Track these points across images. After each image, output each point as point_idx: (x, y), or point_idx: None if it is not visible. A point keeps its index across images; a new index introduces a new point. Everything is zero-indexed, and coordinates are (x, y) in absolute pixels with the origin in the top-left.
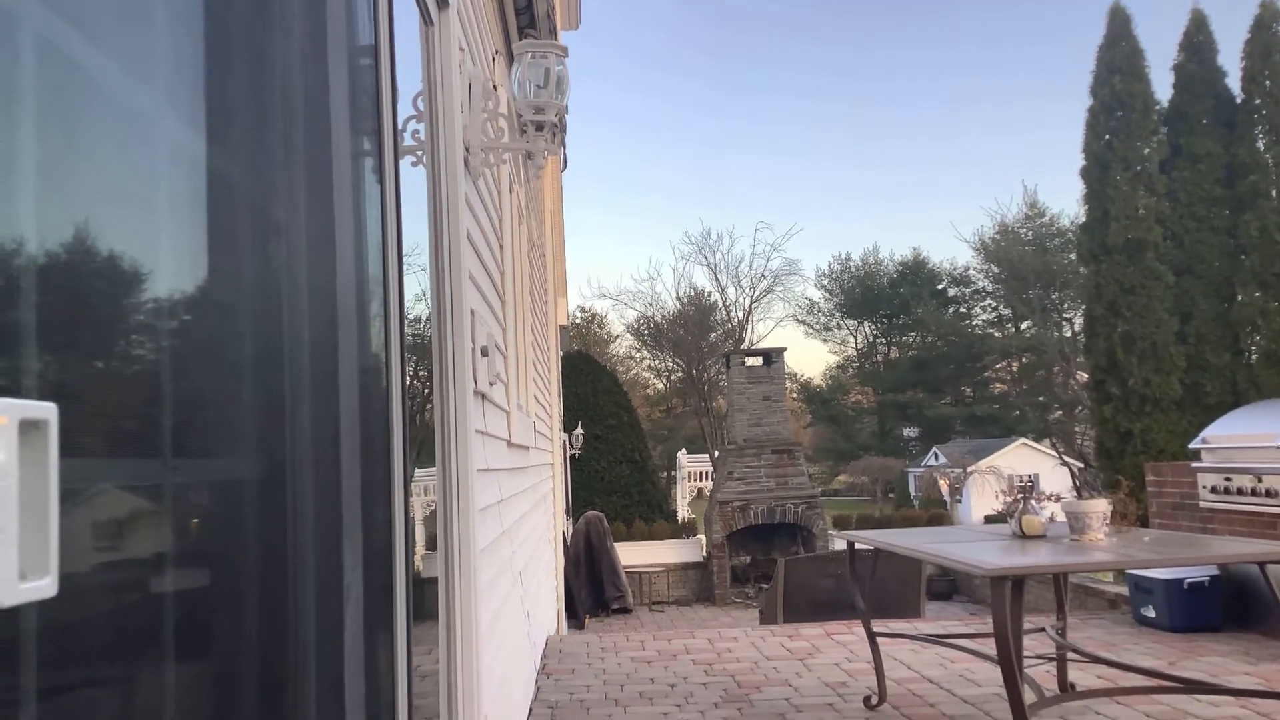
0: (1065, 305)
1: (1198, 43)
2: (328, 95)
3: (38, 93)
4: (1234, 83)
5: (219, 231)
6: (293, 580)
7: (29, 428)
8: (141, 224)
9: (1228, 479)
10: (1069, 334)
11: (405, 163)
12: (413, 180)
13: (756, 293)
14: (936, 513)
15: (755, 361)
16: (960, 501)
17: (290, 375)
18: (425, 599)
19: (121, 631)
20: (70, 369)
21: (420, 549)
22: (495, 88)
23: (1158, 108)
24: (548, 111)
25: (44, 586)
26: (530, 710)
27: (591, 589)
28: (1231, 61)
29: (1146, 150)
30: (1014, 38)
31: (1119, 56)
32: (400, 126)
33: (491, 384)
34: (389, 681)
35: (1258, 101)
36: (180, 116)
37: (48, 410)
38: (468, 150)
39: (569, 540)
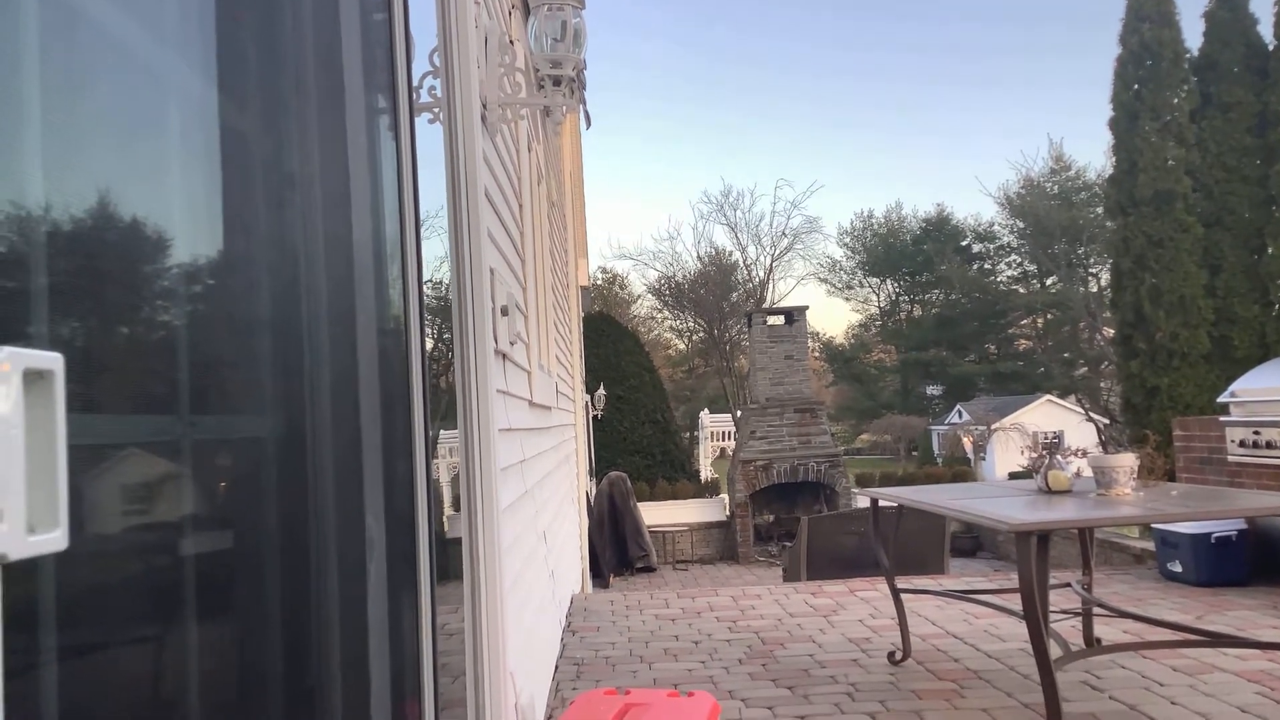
0: (1091, 260)
1: None
2: (340, 50)
3: (43, 42)
4: (1266, 30)
5: (232, 184)
6: (315, 538)
7: (34, 377)
8: (153, 176)
9: (1256, 433)
10: (1095, 289)
11: (422, 120)
12: (430, 138)
13: (777, 251)
14: (960, 470)
15: (777, 320)
16: (984, 459)
17: (308, 331)
18: (450, 558)
19: (141, 589)
20: (82, 323)
21: (447, 509)
22: (512, 42)
23: (1188, 56)
24: (565, 65)
25: (54, 539)
26: (556, 667)
27: (615, 548)
28: (1264, 8)
29: (1176, 100)
30: None
31: (1148, 4)
32: (416, 83)
33: (512, 343)
34: (414, 638)
35: None
36: (191, 66)
37: (53, 360)
38: (484, 106)
39: (593, 500)
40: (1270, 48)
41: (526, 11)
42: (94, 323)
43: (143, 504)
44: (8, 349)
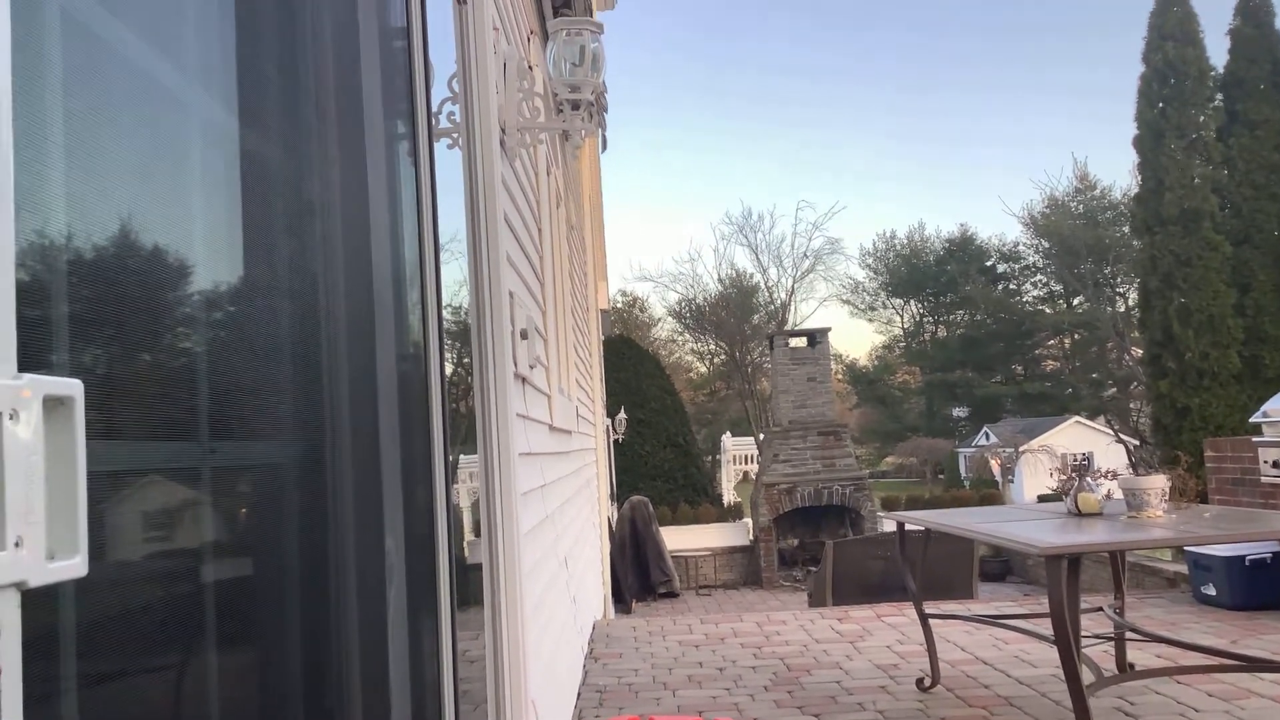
0: (1118, 279)
1: (1254, 6)
2: (360, 77)
3: (70, 74)
4: None
5: (254, 212)
6: (334, 563)
7: (54, 404)
8: (175, 204)
9: None
10: (1122, 309)
11: (441, 145)
12: (449, 163)
13: (799, 273)
14: (988, 493)
15: (799, 342)
16: (1012, 481)
17: (328, 356)
18: (471, 584)
19: (161, 615)
20: (105, 351)
21: (468, 535)
22: (531, 67)
23: (1213, 74)
24: (584, 90)
25: (73, 566)
26: (578, 694)
27: (638, 573)
28: None
29: (1201, 118)
30: (1062, 7)
31: (1171, 22)
32: (435, 109)
33: (532, 367)
34: (434, 664)
35: None
36: (213, 95)
37: (73, 387)
38: (503, 131)
39: (614, 525)
40: None
41: (545, 37)
42: (115, 350)
43: (163, 530)
44: (28, 376)
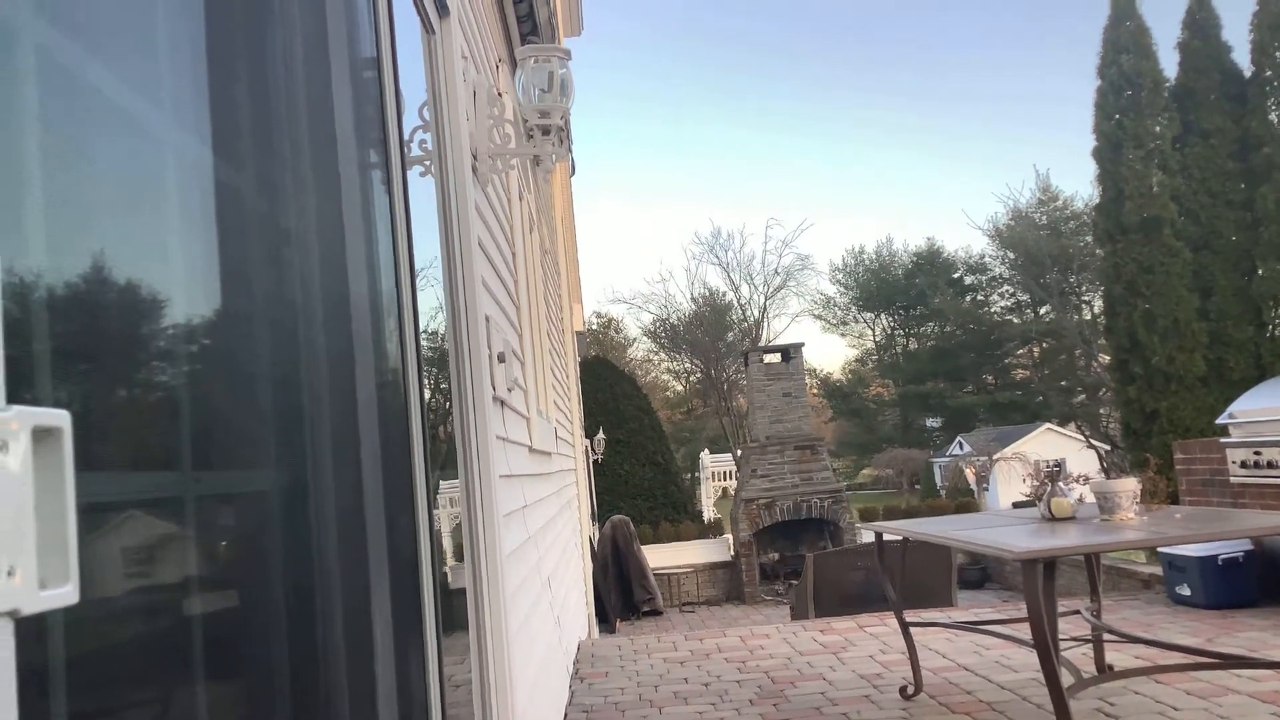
0: (1083, 288)
1: (1200, 19)
2: (333, 108)
3: (45, 109)
4: (1240, 57)
5: (230, 243)
6: (319, 591)
7: (43, 435)
8: (152, 238)
9: (1257, 453)
10: (1089, 316)
11: (414, 173)
12: (422, 190)
13: (770, 290)
14: (964, 501)
15: (773, 358)
16: (987, 489)
17: (308, 385)
18: (455, 608)
19: (144, 646)
20: (86, 382)
21: (449, 559)
22: (500, 94)
23: (1167, 85)
24: (553, 115)
25: (65, 594)
26: (565, 715)
27: (621, 592)
28: (1236, 36)
29: (1158, 128)
30: (1016, 19)
31: (1125, 35)
32: (407, 137)
33: (510, 390)
34: (421, 691)
35: (1268, 74)
36: (186, 128)
37: (60, 418)
38: (475, 158)
39: (596, 545)
40: (1247, 75)
41: (513, 64)
42: (98, 382)
43: (147, 560)
44: (16, 408)
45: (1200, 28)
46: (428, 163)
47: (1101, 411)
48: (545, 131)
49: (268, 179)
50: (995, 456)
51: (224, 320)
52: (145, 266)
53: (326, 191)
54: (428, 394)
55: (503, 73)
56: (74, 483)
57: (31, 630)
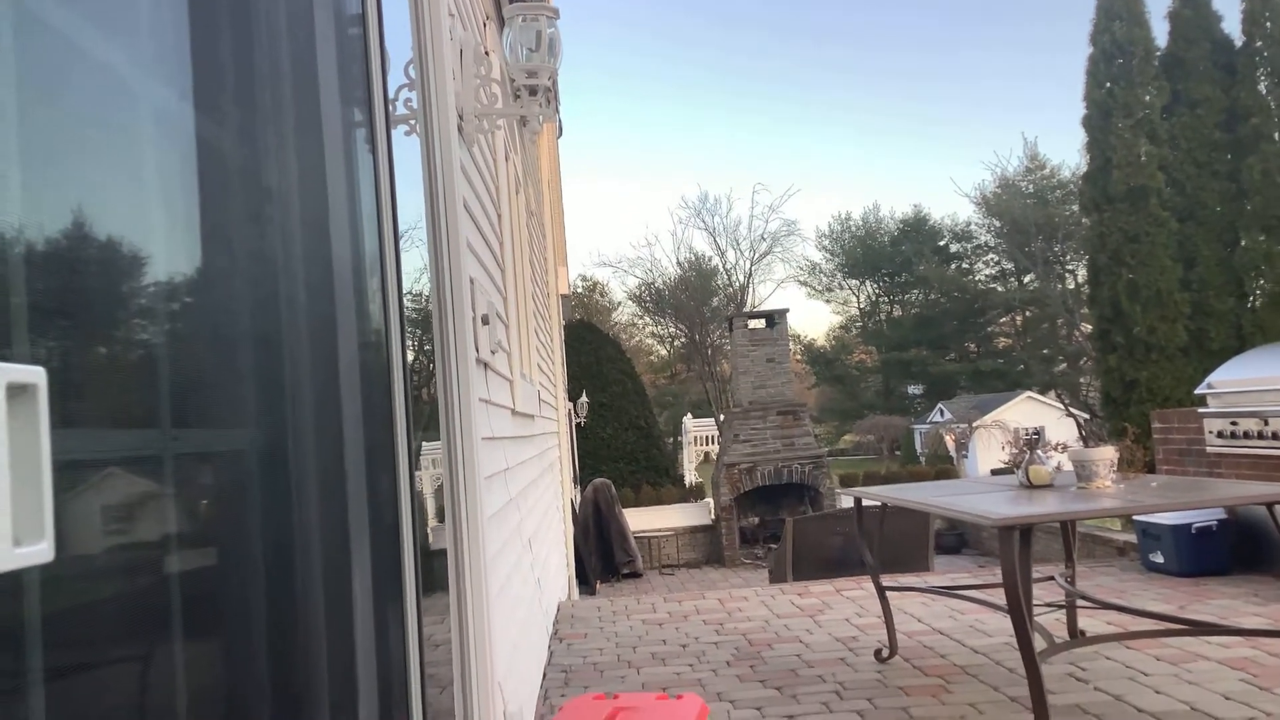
0: (1068, 257)
1: None
2: (316, 64)
3: (20, 63)
4: (1230, 27)
5: (210, 199)
6: (298, 551)
7: (17, 391)
8: (131, 192)
9: (1234, 423)
10: (1072, 286)
11: (399, 132)
12: (407, 150)
13: (756, 255)
14: (943, 468)
15: (758, 324)
16: (967, 457)
17: (289, 344)
18: (436, 569)
19: (121, 603)
20: (63, 340)
21: (431, 521)
22: (487, 53)
23: (1158, 53)
24: (540, 75)
25: (40, 551)
26: (544, 674)
27: (601, 555)
28: (1227, 6)
29: (1147, 97)
30: None
31: (1118, 3)
32: (392, 95)
33: (493, 352)
34: (400, 650)
35: (1259, 44)
36: (166, 82)
37: (35, 374)
38: (461, 117)
39: (577, 507)
40: (1237, 45)
41: (501, 23)
42: (75, 339)
43: (124, 518)
44: None
45: None
46: (413, 122)
47: (1082, 380)
48: (532, 92)
49: (249, 135)
50: (975, 424)
51: (204, 277)
52: (123, 223)
53: (309, 150)
54: (411, 355)
55: (490, 31)
56: (49, 440)
57: (6, 587)
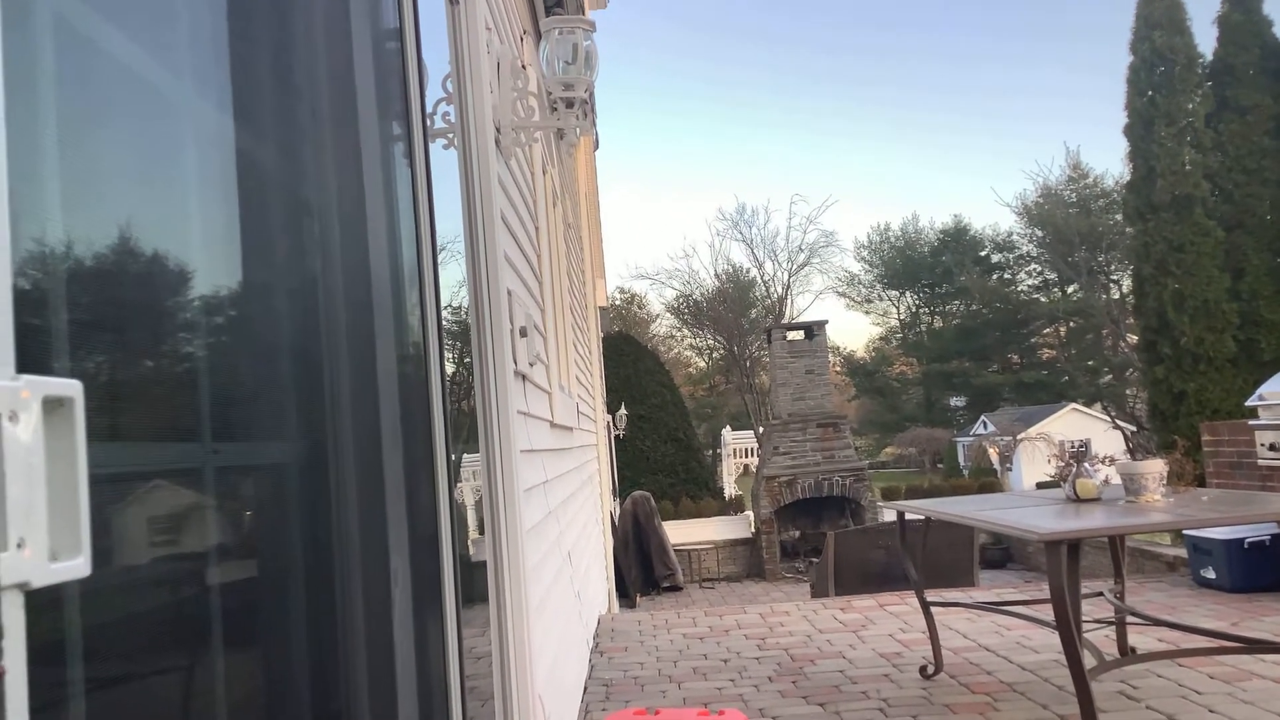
0: (1112, 267)
1: None
2: (355, 80)
3: (64, 78)
4: None
5: (251, 215)
6: (339, 563)
7: (54, 405)
8: (173, 208)
9: None
10: (1117, 296)
11: (437, 146)
12: (445, 163)
13: (794, 267)
14: (987, 481)
15: (796, 335)
16: (1011, 469)
17: (328, 357)
18: (476, 580)
19: (166, 617)
20: (103, 354)
21: (472, 533)
22: (524, 66)
23: (1201, 61)
24: (577, 88)
25: (76, 566)
26: (585, 688)
27: (641, 568)
28: (1277, 10)
29: (1190, 105)
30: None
31: (1158, 11)
32: (430, 109)
33: (531, 364)
34: (440, 662)
35: None
36: (208, 98)
37: (73, 388)
38: (498, 130)
39: (617, 520)
40: None
41: (538, 36)
42: (117, 353)
43: (165, 531)
44: (27, 377)
45: (1241, 1)
46: (451, 135)
47: (1128, 392)
48: (569, 104)
49: (289, 150)
50: (1019, 436)
51: (244, 291)
52: (164, 237)
53: (348, 163)
54: (449, 367)
55: (527, 45)
56: (86, 454)
57: (44, 602)
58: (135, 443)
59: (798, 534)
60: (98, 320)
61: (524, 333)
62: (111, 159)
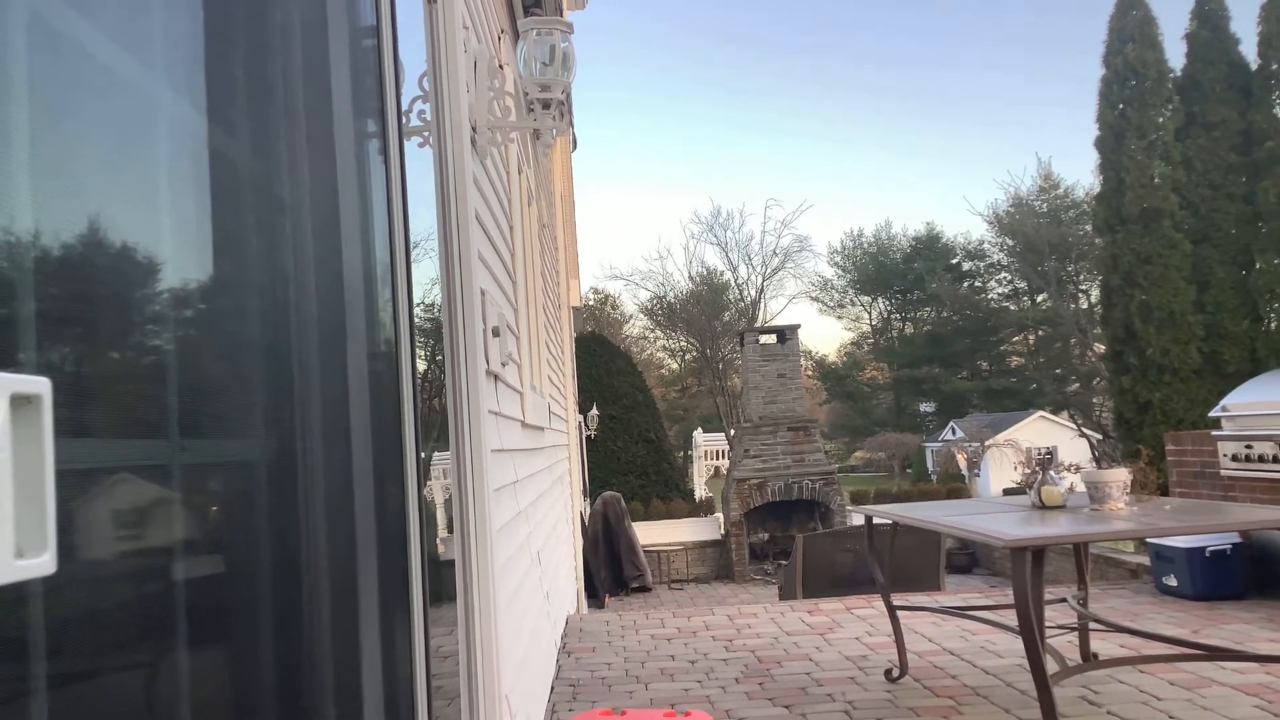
0: (1081, 277)
1: (1209, 10)
2: (330, 76)
3: (32, 69)
4: (1248, 49)
5: (222, 209)
6: (305, 561)
7: (21, 402)
8: (143, 202)
9: (1248, 446)
10: (1085, 306)
11: (412, 144)
12: (420, 161)
13: (768, 271)
14: (955, 487)
15: (769, 339)
16: (978, 475)
17: (298, 354)
18: (444, 580)
19: (130, 614)
20: (72, 349)
21: (441, 532)
22: (501, 66)
23: (1172, 76)
24: (554, 89)
25: (42, 563)
26: (552, 688)
27: (610, 568)
28: (1245, 28)
29: (1161, 119)
30: (1024, 7)
31: (1131, 25)
32: (406, 107)
33: (504, 364)
34: (406, 661)
35: (1275, 67)
36: (180, 92)
37: (40, 385)
38: (474, 130)
39: (587, 520)
40: (1253, 67)
41: (515, 36)
42: (84, 348)
43: (131, 527)
44: None
45: (1209, 18)
46: (426, 134)
47: (1094, 401)
48: (546, 105)
49: (262, 146)
50: (987, 443)
51: (213, 287)
52: (134, 232)
53: (322, 160)
54: (421, 366)
55: (504, 44)
56: (53, 451)
57: (8, 599)
58: (100, 438)
59: (767, 536)
60: (63, 315)
61: (497, 332)
62: (82, 153)
